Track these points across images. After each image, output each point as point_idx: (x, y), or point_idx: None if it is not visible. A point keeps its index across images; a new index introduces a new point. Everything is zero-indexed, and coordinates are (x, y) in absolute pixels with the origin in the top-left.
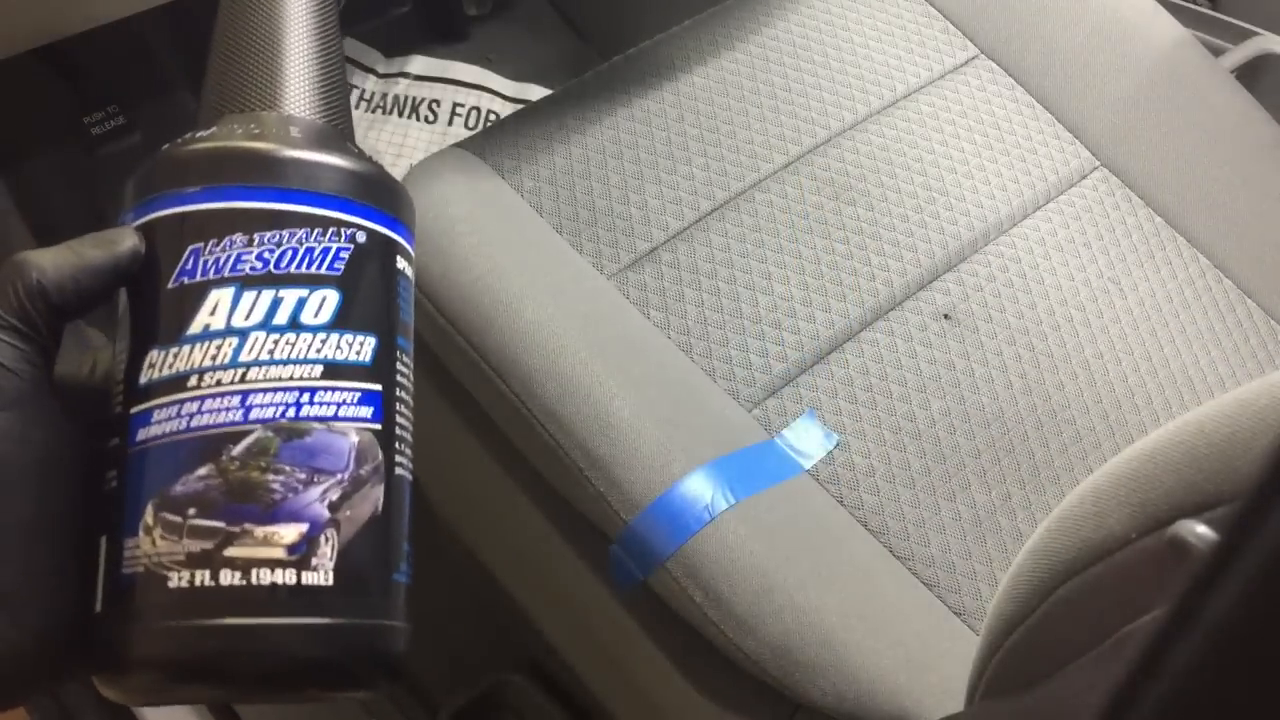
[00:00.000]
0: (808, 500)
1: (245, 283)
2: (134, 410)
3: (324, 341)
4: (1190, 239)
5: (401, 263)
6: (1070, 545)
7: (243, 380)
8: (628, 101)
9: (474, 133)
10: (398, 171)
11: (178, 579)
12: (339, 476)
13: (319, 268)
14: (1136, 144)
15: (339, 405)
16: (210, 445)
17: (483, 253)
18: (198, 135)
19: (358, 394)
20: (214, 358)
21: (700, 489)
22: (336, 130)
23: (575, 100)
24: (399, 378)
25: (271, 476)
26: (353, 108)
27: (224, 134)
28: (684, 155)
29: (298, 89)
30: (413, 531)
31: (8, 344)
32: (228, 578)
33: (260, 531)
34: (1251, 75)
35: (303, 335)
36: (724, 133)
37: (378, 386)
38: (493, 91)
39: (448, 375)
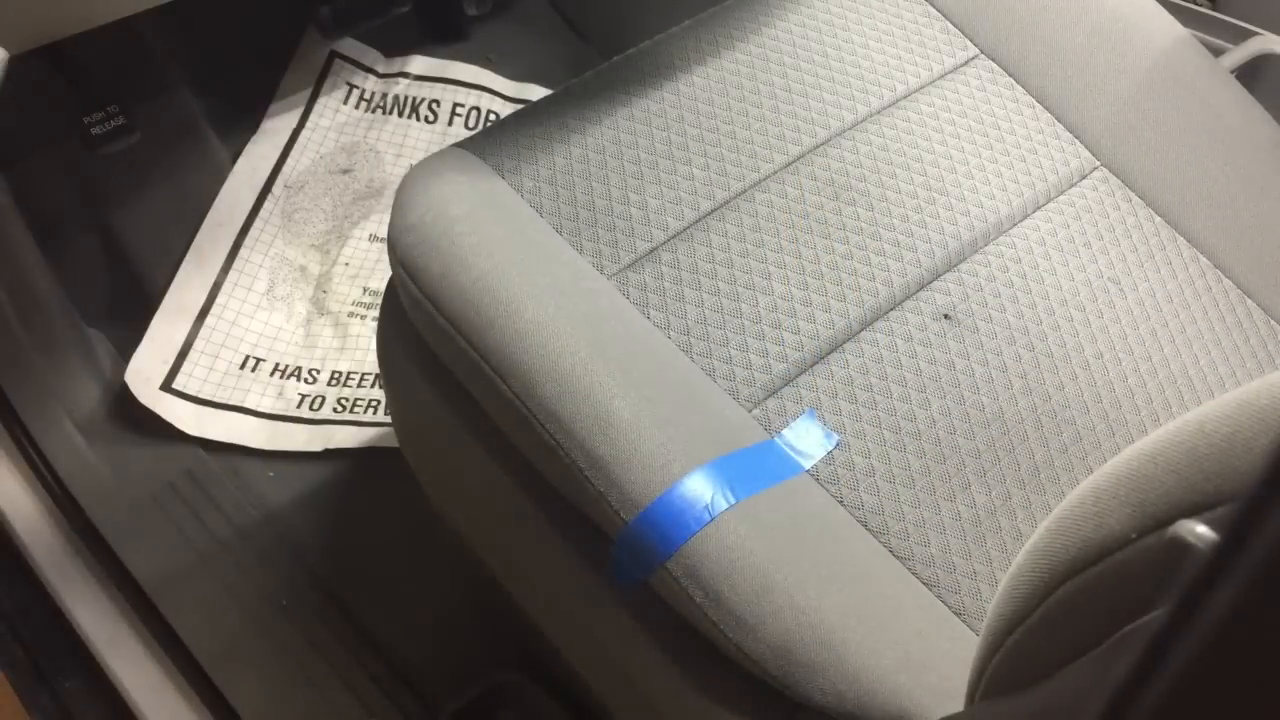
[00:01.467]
0: (808, 500)
1: None
2: None
3: None
4: (1190, 239)
5: None
6: (1070, 545)
7: None
8: (628, 101)
9: (474, 133)
10: (398, 171)
11: None
12: None
13: None
14: (1136, 144)
15: None
16: None
17: (483, 253)
18: None
19: None
20: None
21: (700, 489)
22: None
23: (575, 100)
24: None
25: None
26: (353, 108)
27: None
28: (684, 155)
29: None
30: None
31: None
32: None
33: None
34: (1251, 75)
35: None
36: (724, 133)
37: None
38: (493, 91)
39: (448, 376)
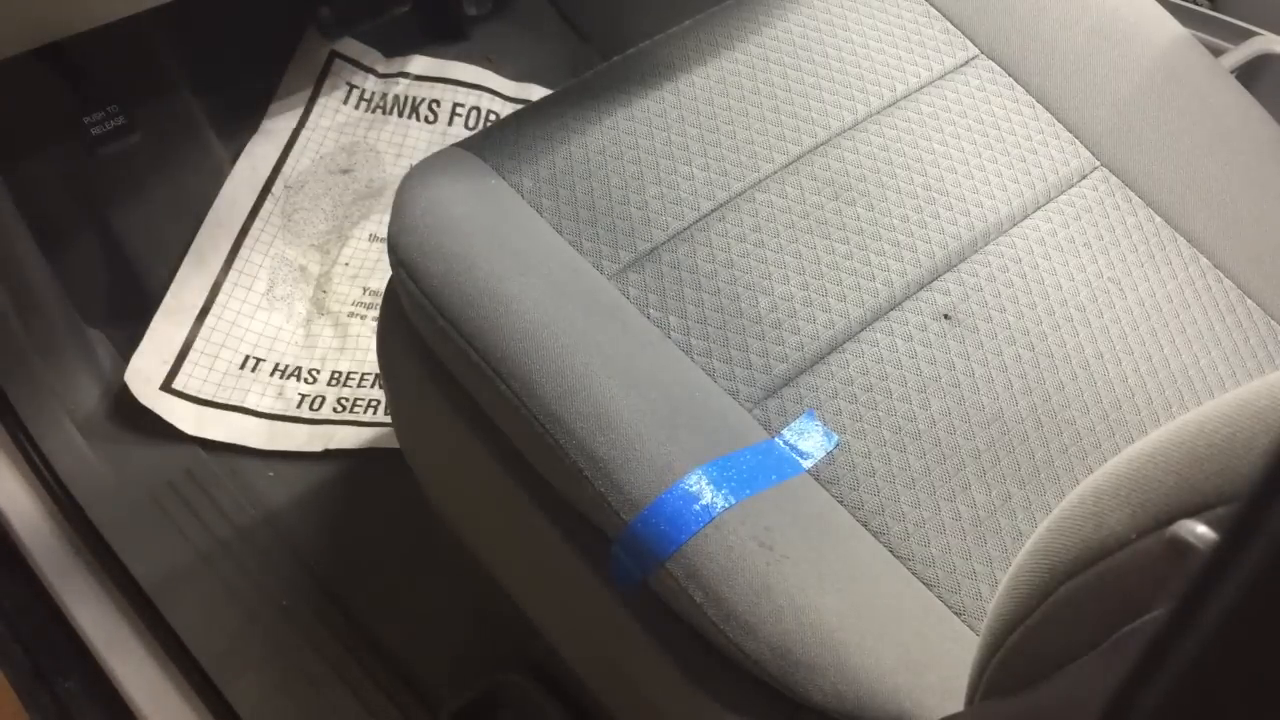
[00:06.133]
0: (808, 500)
1: None
2: None
3: None
4: (1190, 239)
5: None
6: (1070, 545)
7: None
8: (628, 101)
9: (474, 133)
10: (398, 171)
11: None
12: None
13: None
14: (1136, 144)
15: None
16: None
17: (482, 253)
18: None
19: None
20: None
21: (700, 489)
22: None
23: (575, 100)
24: None
25: None
26: (353, 108)
27: None
28: (684, 155)
29: None
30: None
31: None
32: None
33: None
34: (1251, 75)
35: None
36: (724, 133)
37: None
38: (493, 91)
39: (448, 376)
